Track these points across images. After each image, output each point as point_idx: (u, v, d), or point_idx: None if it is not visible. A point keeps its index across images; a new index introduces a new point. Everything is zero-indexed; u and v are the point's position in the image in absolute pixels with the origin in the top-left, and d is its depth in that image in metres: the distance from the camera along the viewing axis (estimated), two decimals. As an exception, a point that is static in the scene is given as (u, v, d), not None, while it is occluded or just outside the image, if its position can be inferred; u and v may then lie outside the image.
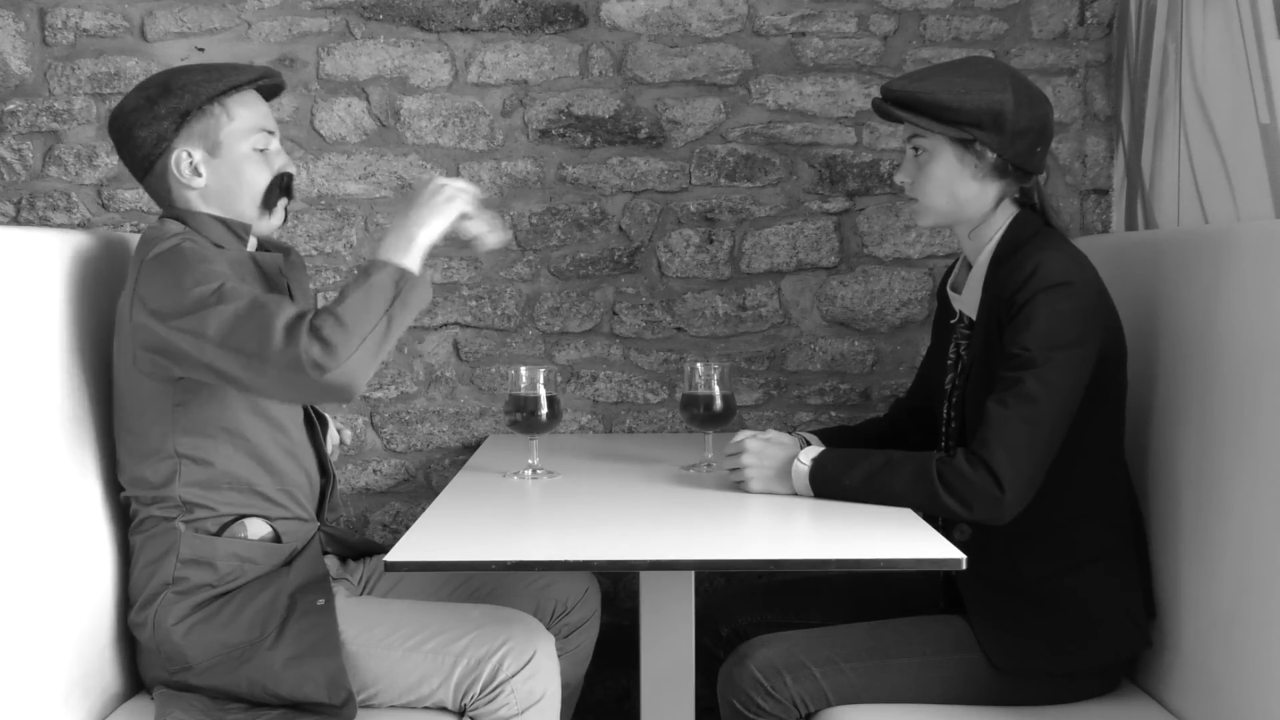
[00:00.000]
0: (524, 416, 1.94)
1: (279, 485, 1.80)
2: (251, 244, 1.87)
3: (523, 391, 1.94)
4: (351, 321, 1.59)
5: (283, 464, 1.81)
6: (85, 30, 2.57)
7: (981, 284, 1.83)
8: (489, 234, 1.78)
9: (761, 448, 1.82)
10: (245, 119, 1.80)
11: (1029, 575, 1.75)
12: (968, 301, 1.88)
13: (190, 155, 1.78)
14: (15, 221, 2.58)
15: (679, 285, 2.61)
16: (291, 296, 1.86)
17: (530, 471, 1.99)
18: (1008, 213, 1.83)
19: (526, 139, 2.59)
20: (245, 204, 1.82)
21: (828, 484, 1.75)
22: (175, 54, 2.56)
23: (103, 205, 2.59)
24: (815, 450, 1.79)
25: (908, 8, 2.56)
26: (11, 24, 2.56)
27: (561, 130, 2.58)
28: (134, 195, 2.59)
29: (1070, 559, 1.75)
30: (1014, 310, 1.71)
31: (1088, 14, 2.56)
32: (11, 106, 2.57)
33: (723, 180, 2.60)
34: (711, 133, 2.59)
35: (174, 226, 1.79)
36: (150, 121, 1.76)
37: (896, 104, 1.80)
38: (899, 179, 1.87)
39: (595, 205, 2.60)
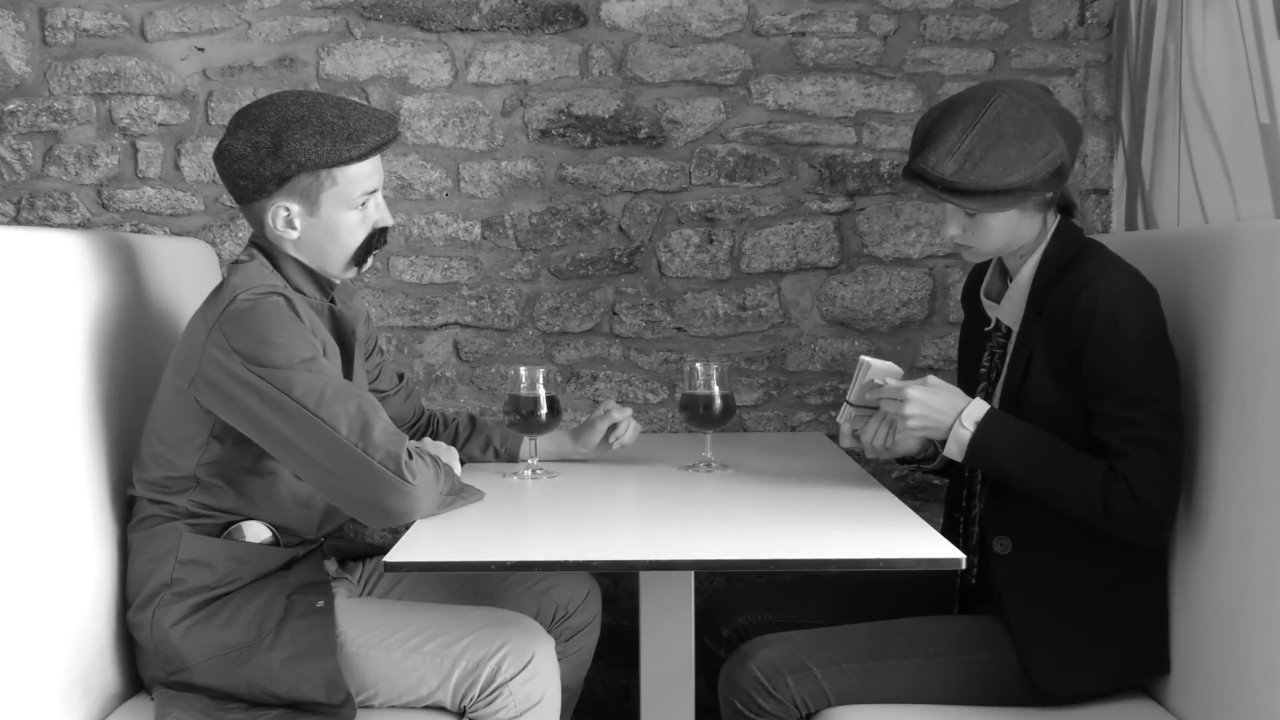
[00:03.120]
0: (524, 416, 1.94)
1: (280, 525, 1.81)
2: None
3: (523, 391, 1.94)
4: (440, 470, 1.67)
5: (292, 510, 1.81)
6: (85, 30, 2.57)
7: (1025, 296, 1.81)
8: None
9: (926, 396, 1.75)
10: (350, 184, 1.76)
11: (1076, 588, 1.75)
12: (1007, 311, 1.85)
13: (288, 209, 1.76)
14: (15, 221, 2.58)
15: (679, 285, 2.61)
16: (351, 356, 1.86)
17: (530, 471, 1.99)
18: (1049, 223, 1.81)
19: (526, 139, 2.59)
20: (335, 260, 1.81)
21: (985, 458, 1.73)
22: (175, 54, 2.56)
23: (103, 205, 2.59)
24: (978, 412, 1.74)
25: (908, 8, 2.56)
26: (11, 24, 2.56)
27: (561, 130, 2.58)
28: (134, 195, 2.59)
29: (1114, 574, 1.75)
30: (1093, 335, 1.69)
31: (1088, 14, 2.56)
32: (11, 106, 2.57)
33: (723, 180, 2.60)
34: (711, 133, 2.59)
35: (263, 263, 1.78)
36: (253, 174, 1.73)
37: (958, 193, 1.70)
38: (949, 233, 1.80)
39: (595, 205, 2.60)
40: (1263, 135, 1.95)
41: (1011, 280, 1.85)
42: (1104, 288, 1.69)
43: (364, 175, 1.77)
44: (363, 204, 1.79)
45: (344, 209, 1.77)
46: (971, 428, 1.73)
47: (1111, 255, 1.77)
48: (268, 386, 1.62)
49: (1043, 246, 1.81)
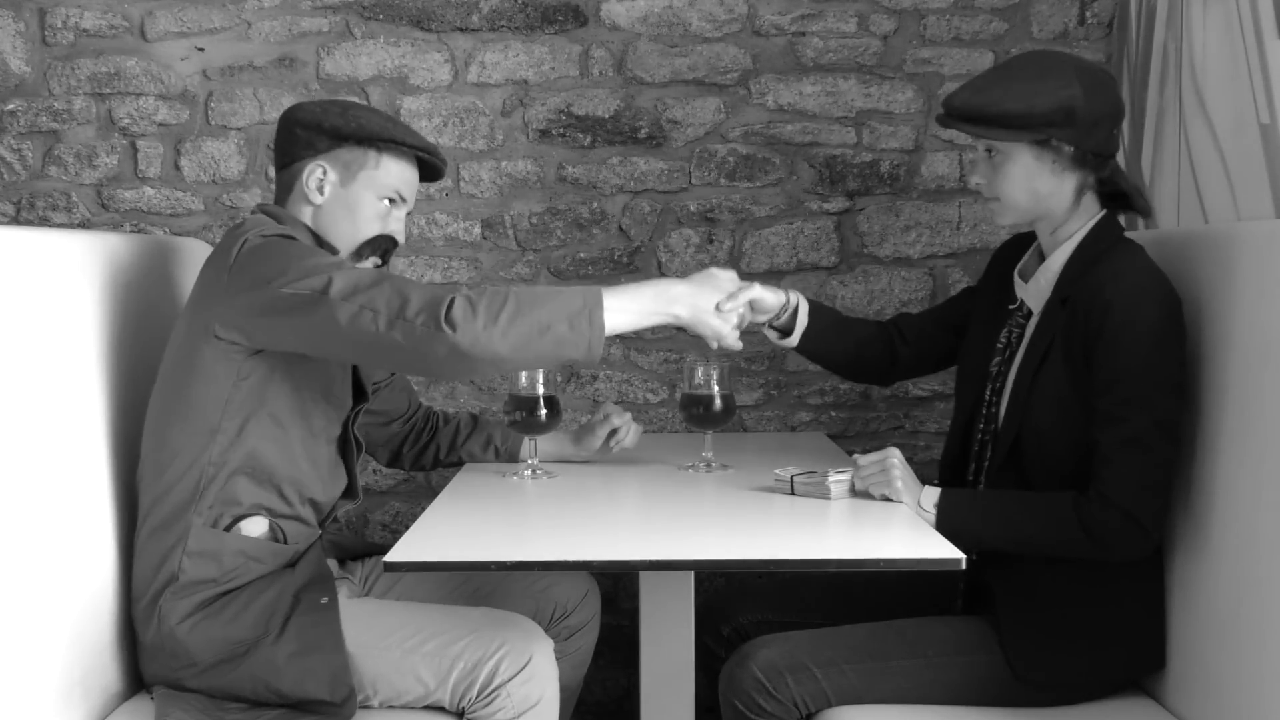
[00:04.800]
0: (524, 416, 1.94)
1: (292, 480, 1.80)
2: None
3: (522, 391, 1.94)
4: (515, 302, 1.59)
5: (303, 465, 1.81)
6: (85, 30, 2.57)
7: (1053, 283, 1.81)
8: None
9: (905, 466, 1.77)
10: (389, 175, 1.84)
11: (1073, 585, 1.74)
12: (1033, 293, 1.85)
13: (325, 171, 1.82)
14: (15, 221, 2.58)
15: (679, 285, 2.61)
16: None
17: (530, 471, 1.99)
18: (1091, 210, 1.81)
19: (526, 139, 2.59)
20: (343, 240, 1.84)
21: (957, 534, 1.67)
22: (175, 54, 2.57)
23: (102, 205, 2.59)
24: (934, 495, 1.75)
25: (908, 8, 2.56)
26: (11, 24, 2.56)
27: (561, 130, 2.58)
28: (134, 195, 2.59)
29: (1112, 571, 1.74)
30: (1105, 330, 1.68)
31: (1088, 14, 2.56)
32: (11, 106, 2.57)
33: (723, 180, 2.60)
34: (711, 133, 2.59)
35: (273, 222, 1.81)
36: (314, 124, 1.82)
37: (963, 120, 1.76)
38: (974, 181, 1.83)
39: (595, 205, 2.60)
40: (1263, 135, 1.95)
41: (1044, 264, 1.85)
42: (1128, 285, 1.69)
43: (402, 177, 1.86)
44: (389, 201, 1.85)
45: (372, 194, 1.84)
46: (932, 510, 1.74)
47: (1145, 257, 1.76)
48: (301, 295, 1.63)
49: (1080, 235, 1.79)
